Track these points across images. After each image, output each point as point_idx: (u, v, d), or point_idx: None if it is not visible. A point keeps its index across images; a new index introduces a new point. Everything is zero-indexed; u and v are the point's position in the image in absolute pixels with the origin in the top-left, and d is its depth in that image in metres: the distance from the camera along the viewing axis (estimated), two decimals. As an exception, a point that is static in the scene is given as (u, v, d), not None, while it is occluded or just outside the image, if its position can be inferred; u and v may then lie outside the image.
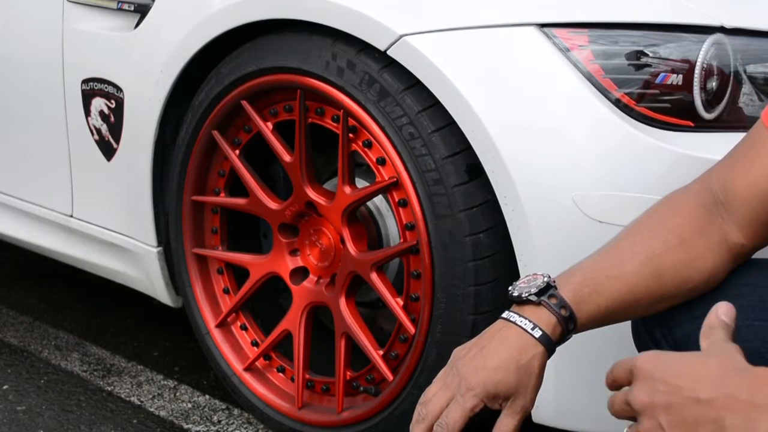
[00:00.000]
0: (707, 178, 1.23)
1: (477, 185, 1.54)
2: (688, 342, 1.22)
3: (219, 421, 1.99)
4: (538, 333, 1.14)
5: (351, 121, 1.65)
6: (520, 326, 1.14)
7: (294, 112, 1.73)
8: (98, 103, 1.98)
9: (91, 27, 1.99)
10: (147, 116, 1.89)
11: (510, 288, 1.18)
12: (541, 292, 1.15)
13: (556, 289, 1.16)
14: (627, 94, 1.48)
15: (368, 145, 1.65)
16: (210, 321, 1.94)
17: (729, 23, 1.52)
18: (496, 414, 1.15)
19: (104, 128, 1.98)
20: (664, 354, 1.02)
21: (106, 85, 1.96)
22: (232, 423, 1.98)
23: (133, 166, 1.95)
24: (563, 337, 1.16)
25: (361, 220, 1.76)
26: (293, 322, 1.84)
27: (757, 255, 1.24)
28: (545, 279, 1.17)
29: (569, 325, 1.15)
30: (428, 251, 1.58)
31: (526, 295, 1.16)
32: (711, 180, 1.23)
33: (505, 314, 1.17)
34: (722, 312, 1.03)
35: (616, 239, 1.22)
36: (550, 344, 1.14)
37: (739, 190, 1.19)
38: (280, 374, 1.91)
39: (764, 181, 1.18)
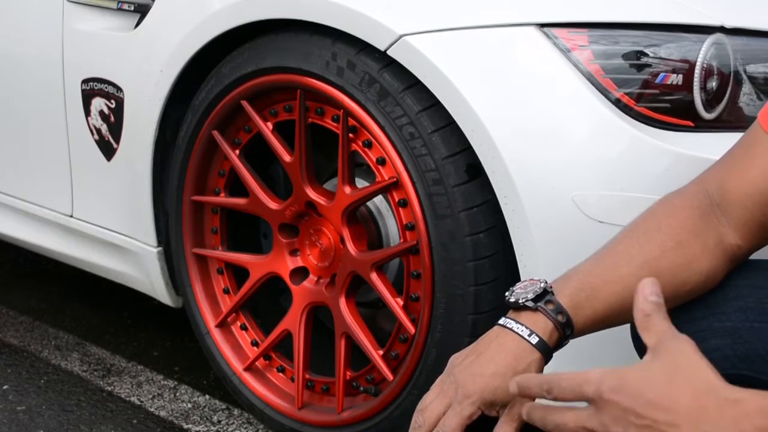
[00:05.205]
0: (703, 179, 1.23)
1: (477, 185, 1.54)
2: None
3: (219, 421, 1.98)
4: (534, 339, 1.13)
5: (351, 121, 1.65)
6: (516, 333, 1.14)
7: (294, 112, 1.73)
8: (98, 103, 1.98)
9: (91, 27, 1.99)
10: (147, 116, 1.89)
11: (507, 294, 1.17)
12: (537, 298, 1.15)
13: (552, 294, 1.15)
14: (627, 94, 1.48)
15: (368, 145, 1.65)
16: (210, 321, 1.94)
17: (729, 23, 1.52)
18: (494, 418, 1.15)
19: (104, 128, 1.98)
20: (624, 376, 0.96)
21: (106, 85, 1.95)
22: (232, 423, 1.98)
23: (133, 166, 1.95)
24: (560, 343, 1.15)
25: (361, 220, 1.76)
26: (293, 322, 1.84)
27: (756, 255, 1.24)
28: (542, 284, 1.16)
29: (566, 330, 1.15)
30: (428, 251, 1.58)
31: (523, 301, 1.15)
32: (707, 182, 1.22)
33: (501, 320, 1.16)
34: (649, 293, 1.00)
35: (612, 243, 1.21)
36: (547, 350, 1.14)
37: (735, 191, 1.19)
38: (280, 374, 1.91)
39: (761, 183, 1.18)
